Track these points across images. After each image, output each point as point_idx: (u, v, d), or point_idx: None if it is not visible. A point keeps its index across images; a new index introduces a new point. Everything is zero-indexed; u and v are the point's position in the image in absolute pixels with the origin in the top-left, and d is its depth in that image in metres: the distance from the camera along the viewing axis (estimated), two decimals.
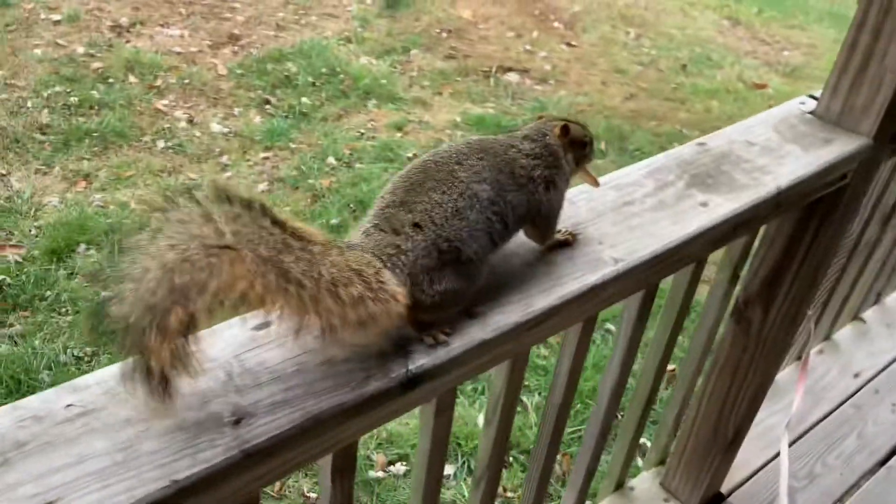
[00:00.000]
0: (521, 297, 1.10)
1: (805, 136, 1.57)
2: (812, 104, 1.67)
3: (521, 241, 1.20)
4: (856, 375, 2.82)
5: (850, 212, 1.73)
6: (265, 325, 0.99)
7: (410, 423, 3.24)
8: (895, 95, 1.52)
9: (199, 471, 0.82)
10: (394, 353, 0.99)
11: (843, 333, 2.99)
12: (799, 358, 2.80)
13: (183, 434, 0.85)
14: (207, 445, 0.84)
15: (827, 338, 2.95)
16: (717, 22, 7.88)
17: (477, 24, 6.76)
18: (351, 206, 4.48)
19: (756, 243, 1.86)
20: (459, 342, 1.01)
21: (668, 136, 5.56)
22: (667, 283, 1.68)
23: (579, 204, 1.29)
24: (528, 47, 6.51)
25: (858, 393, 2.75)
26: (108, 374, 0.90)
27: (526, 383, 3.51)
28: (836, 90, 1.60)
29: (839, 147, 1.54)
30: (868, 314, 3.07)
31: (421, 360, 0.98)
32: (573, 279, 1.14)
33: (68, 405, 0.86)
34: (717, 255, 1.81)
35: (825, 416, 2.66)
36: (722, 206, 1.33)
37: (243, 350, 0.96)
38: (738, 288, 1.96)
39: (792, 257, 1.78)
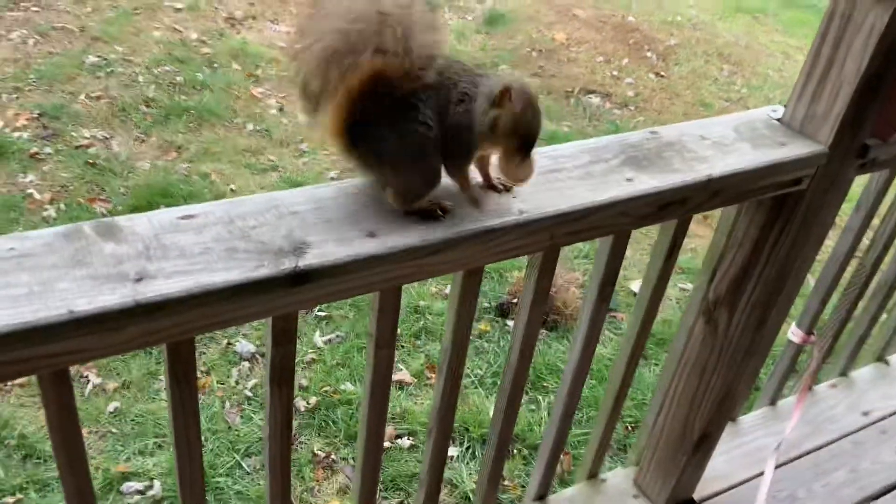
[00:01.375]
0: (423, 229, 1.24)
1: (762, 137, 1.64)
2: (781, 111, 1.73)
3: (442, 189, 1.34)
4: (865, 413, 2.77)
5: (813, 220, 1.77)
6: (190, 216, 1.18)
7: (425, 404, 3.38)
8: (850, 107, 1.57)
9: (94, 308, 1.00)
10: (291, 251, 1.15)
11: (862, 372, 2.93)
12: (810, 388, 2.78)
13: (92, 281, 1.04)
14: (108, 291, 1.03)
15: (843, 374, 2.91)
16: None
17: (569, 47, 6.88)
18: None
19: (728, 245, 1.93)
20: (349, 252, 1.17)
21: None
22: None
23: None
24: (615, 73, 6.58)
25: (863, 430, 2.70)
26: (48, 232, 1.10)
27: (544, 384, 3.60)
28: (800, 98, 1.66)
29: (790, 150, 1.60)
30: (893, 358, 3.00)
31: (310, 261, 1.14)
32: (475, 221, 1.27)
33: (10, 248, 1.07)
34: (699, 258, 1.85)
35: (821, 447, 2.63)
36: (644, 184, 1.43)
37: (164, 231, 1.15)
38: (711, 288, 2.01)
39: (757, 259, 1.84)
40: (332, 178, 4.88)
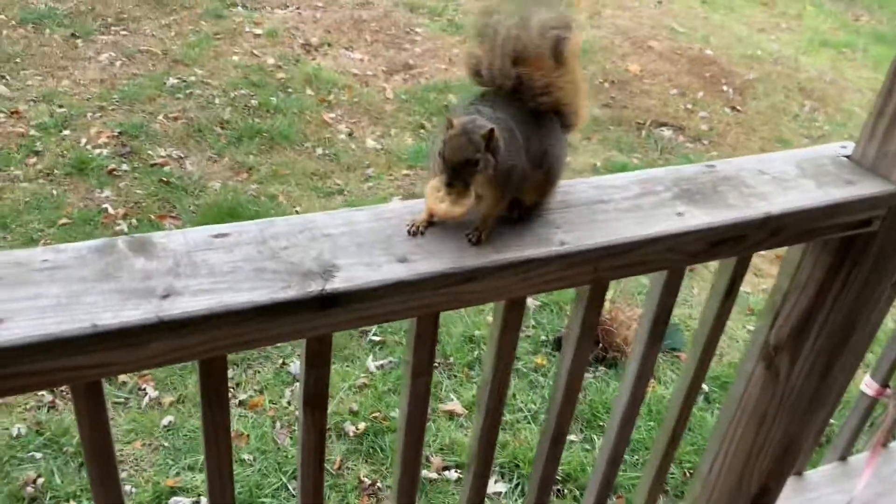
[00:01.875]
0: (456, 255, 1.21)
1: (827, 174, 1.55)
2: (852, 148, 1.64)
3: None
4: None
5: (885, 264, 1.65)
6: (223, 235, 1.18)
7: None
8: None
9: (117, 322, 1.00)
10: (319, 273, 1.13)
11: None
12: (885, 445, 2.61)
13: (119, 296, 1.04)
14: (133, 307, 1.03)
15: None
16: None
17: (642, 79, 6.78)
18: None
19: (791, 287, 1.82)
20: (378, 276, 1.14)
21: None
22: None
23: (555, 194, 1.38)
24: (688, 106, 6.44)
25: None
26: (82, 245, 1.12)
27: (600, 423, 3.49)
28: (872, 135, 1.57)
29: (859, 189, 1.50)
30: None
31: (338, 284, 1.12)
32: (513, 249, 1.23)
33: (44, 260, 1.08)
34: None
35: None
36: (696, 219, 1.36)
37: (197, 249, 1.15)
38: (772, 332, 1.91)
39: (822, 304, 1.73)
40: None
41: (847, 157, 1.62)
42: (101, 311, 1.01)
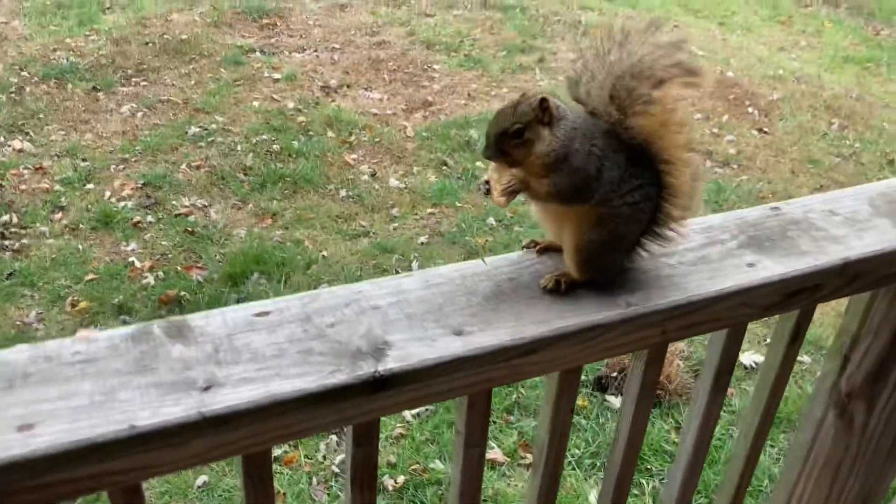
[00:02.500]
0: (514, 324, 1.11)
1: None
2: None
3: (537, 275, 1.21)
4: None
5: None
6: (265, 313, 1.09)
7: (518, 486, 3.20)
8: None
9: (156, 422, 0.91)
10: (370, 353, 1.04)
11: None
12: None
13: (157, 390, 0.96)
14: (172, 402, 0.94)
15: None
16: None
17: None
18: None
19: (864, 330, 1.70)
20: (434, 353, 1.05)
21: None
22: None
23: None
24: (714, 130, 6.34)
25: None
26: (116, 333, 1.03)
27: (647, 466, 3.35)
28: None
29: None
30: None
31: (391, 364, 1.03)
32: (575, 315, 1.13)
33: (76, 352, 1.00)
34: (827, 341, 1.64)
35: None
36: (768, 269, 1.26)
37: (237, 331, 1.06)
38: (843, 377, 1.79)
39: None
40: (423, 243, 4.83)
41: None
42: (138, 408, 0.93)
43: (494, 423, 3.50)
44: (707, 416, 1.67)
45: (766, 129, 6.46)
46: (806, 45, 8.59)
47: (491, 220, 5.03)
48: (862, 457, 1.75)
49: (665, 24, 1.15)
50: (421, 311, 1.12)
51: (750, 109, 6.73)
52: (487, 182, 1.15)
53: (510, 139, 1.11)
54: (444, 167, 5.71)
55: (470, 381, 1.10)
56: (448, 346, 1.06)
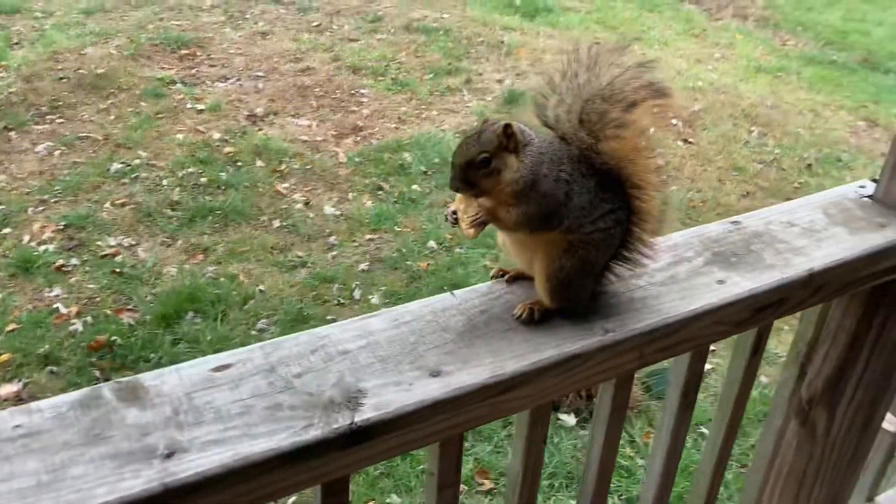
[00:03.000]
0: (492, 360, 1.06)
1: (857, 219, 1.46)
2: (873, 188, 1.55)
3: (509, 306, 1.17)
4: None
5: None
6: (224, 367, 1.01)
7: None
8: None
9: (114, 499, 0.83)
10: (344, 403, 0.97)
11: None
12: None
13: (113, 462, 0.87)
14: (132, 475, 0.85)
15: None
16: (851, 123, 7.54)
17: None
18: (445, 288, 4.52)
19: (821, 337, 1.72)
20: (412, 399, 0.98)
21: None
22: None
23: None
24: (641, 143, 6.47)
25: None
26: (62, 400, 0.94)
27: None
28: (893, 172, 1.48)
29: (893, 232, 1.41)
30: None
31: (368, 414, 0.96)
32: (553, 347, 1.09)
33: (16, 426, 0.90)
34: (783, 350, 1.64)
35: None
36: (739, 286, 1.24)
37: (196, 388, 0.98)
38: (803, 385, 1.80)
39: (857, 354, 1.63)
40: (364, 270, 4.74)
41: (870, 196, 1.54)
42: (93, 485, 0.84)
43: None
44: (676, 436, 1.65)
45: (690, 140, 6.63)
46: (721, 57, 8.88)
47: (432, 244, 4.98)
48: (826, 463, 1.76)
49: (631, 45, 1.13)
50: (394, 353, 1.06)
51: (674, 121, 6.90)
52: (455, 213, 1.11)
53: (476, 169, 1.06)
54: (380, 192, 5.65)
55: (449, 424, 1.04)
56: (426, 390, 1.00)
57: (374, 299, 4.47)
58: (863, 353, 1.61)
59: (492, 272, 1.23)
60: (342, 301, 4.47)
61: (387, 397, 0.98)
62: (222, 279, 4.60)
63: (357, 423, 0.95)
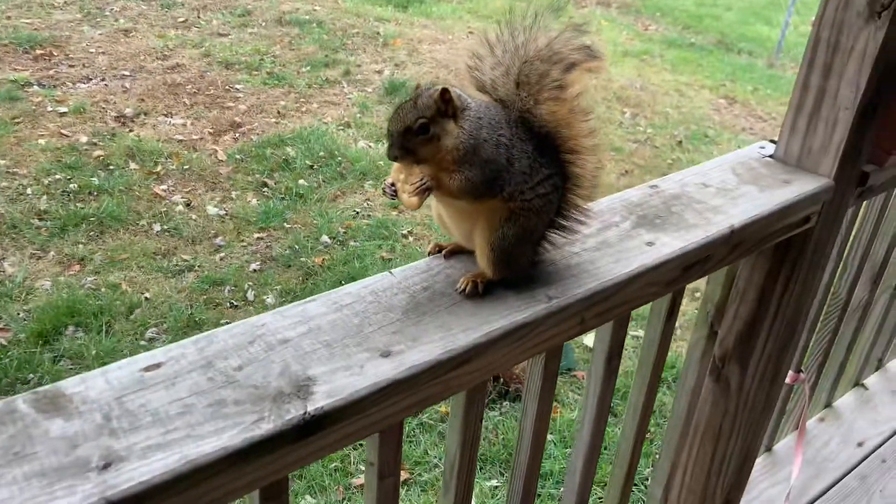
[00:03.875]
0: (443, 334, 1.02)
1: (763, 177, 1.52)
2: (772, 148, 1.62)
3: (451, 280, 1.13)
4: (859, 444, 2.67)
5: (819, 258, 1.65)
6: (155, 366, 0.92)
7: None
8: (850, 135, 1.46)
9: None
10: (294, 393, 0.91)
11: (845, 401, 2.85)
12: (797, 427, 2.66)
13: (40, 481, 0.77)
14: (65, 493, 0.76)
15: (828, 405, 2.81)
16: (712, 101, 7.98)
17: None
18: (343, 282, 4.43)
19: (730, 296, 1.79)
20: (365, 382, 0.93)
21: None
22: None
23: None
24: None
25: (863, 463, 2.59)
26: None
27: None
28: (793, 131, 1.55)
29: (798, 187, 1.48)
30: (870, 380, 2.93)
31: (321, 402, 0.90)
32: (502, 317, 1.07)
33: None
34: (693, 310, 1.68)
35: (828, 488, 2.50)
36: (668, 245, 1.26)
37: (127, 392, 0.89)
38: (715, 344, 1.86)
39: (766, 309, 1.70)
40: (255, 270, 4.58)
41: (771, 156, 1.60)
42: None
43: (362, 445, 3.37)
44: (602, 402, 1.67)
45: None
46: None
47: (325, 238, 4.87)
48: (741, 416, 1.83)
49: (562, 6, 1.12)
50: (339, 337, 1.00)
51: None
52: (393, 185, 1.06)
53: (415, 135, 1.02)
54: (265, 188, 5.47)
55: (406, 405, 1.00)
56: (378, 371, 0.95)
57: (269, 299, 4.33)
58: (770, 307, 1.68)
59: (428, 248, 1.19)
60: (235, 303, 4.30)
61: (338, 383, 0.93)
62: (103, 289, 4.32)
63: (310, 412, 0.89)
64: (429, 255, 1.19)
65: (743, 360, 1.79)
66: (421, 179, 1.02)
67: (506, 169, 1.07)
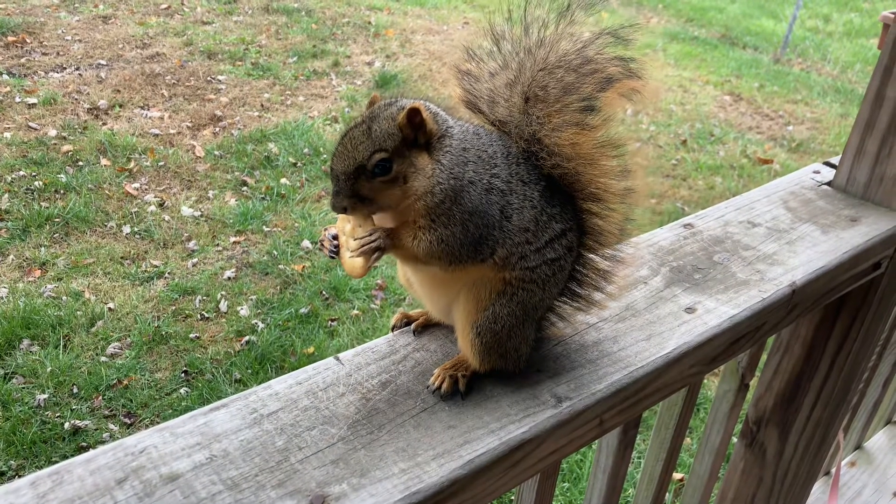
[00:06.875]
0: (406, 467, 0.71)
1: (823, 213, 1.20)
2: (829, 173, 1.31)
3: (421, 371, 0.82)
4: (895, 494, 2.37)
5: (884, 310, 1.34)
6: None
7: None
8: None
9: None
10: None
11: (877, 441, 2.55)
12: (828, 473, 2.36)
13: None
14: None
15: (858, 446, 2.51)
16: (717, 97, 7.66)
17: None
18: (323, 292, 4.11)
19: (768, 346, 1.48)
20: None
21: (668, 214, 5.22)
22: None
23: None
24: None
25: None
26: None
27: None
28: (860, 154, 1.24)
29: (868, 227, 1.16)
30: None
31: None
32: (490, 432, 0.75)
33: None
34: None
35: None
36: (713, 313, 0.95)
37: None
38: (747, 402, 1.56)
39: (815, 367, 1.39)
40: (230, 278, 4.25)
41: (829, 184, 1.29)
42: None
43: None
44: (614, 479, 1.37)
45: None
46: None
47: (307, 243, 4.55)
48: (780, 488, 1.53)
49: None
50: (253, 471, 0.68)
51: None
52: (335, 238, 0.74)
53: (369, 177, 0.70)
54: (245, 188, 5.14)
55: None
56: None
57: (244, 311, 4.01)
58: (821, 365, 1.37)
59: (392, 320, 0.87)
60: (206, 315, 3.98)
61: None
62: (64, 298, 3.99)
63: None
64: (392, 329, 0.87)
65: (784, 425, 1.48)
66: (369, 234, 0.70)
67: (498, 224, 0.75)
